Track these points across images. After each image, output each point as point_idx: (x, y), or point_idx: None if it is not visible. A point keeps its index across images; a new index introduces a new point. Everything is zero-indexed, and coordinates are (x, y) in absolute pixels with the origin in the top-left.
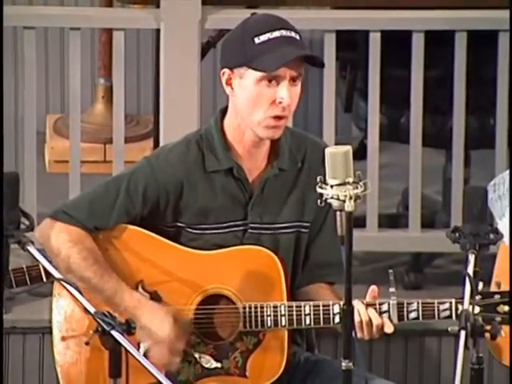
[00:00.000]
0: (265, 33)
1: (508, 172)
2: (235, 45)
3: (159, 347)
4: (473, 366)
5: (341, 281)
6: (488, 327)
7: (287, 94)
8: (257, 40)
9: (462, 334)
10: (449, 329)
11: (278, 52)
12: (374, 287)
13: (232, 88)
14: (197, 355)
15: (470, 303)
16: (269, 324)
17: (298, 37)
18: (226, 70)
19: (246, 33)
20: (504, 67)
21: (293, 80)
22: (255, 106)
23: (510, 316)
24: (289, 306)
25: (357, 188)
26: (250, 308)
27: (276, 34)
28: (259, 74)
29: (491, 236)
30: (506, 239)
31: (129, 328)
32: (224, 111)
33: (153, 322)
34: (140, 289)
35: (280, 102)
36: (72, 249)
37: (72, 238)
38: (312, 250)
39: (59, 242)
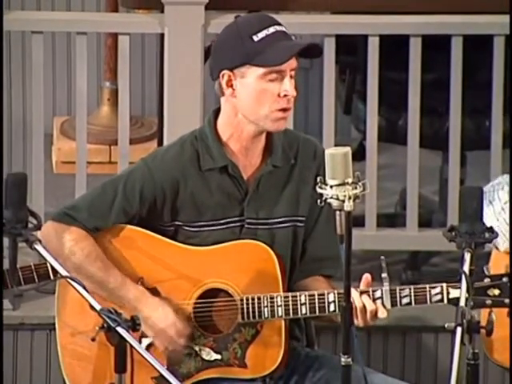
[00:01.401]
0: (261, 30)
1: (497, 181)
2: (233, 46)
3: (162, 337)
4: (469, 361)
5: (337, 273)
6: (484, 324)
7: (291, 86)
8: (255, 38)
9: (459, 330)
10: (446, 325)
11: (280, 46)
12: (367, 275)
13: (233, 88)
14: (197, 348)
15: (466, 300)
16: (266, 315)
17: (286, 30)
18: (226, 72)
19: (242, 33)
20: (499, 70)
21: (290, 74)
22: (260, 101)
23: (511, 314)
24: (285, 297)
25: (356, 188)
26: (247, 300)
27: (271, 29)
28: (262, 71)
29: (486, 235)
30: (500, 238)
31: (134, 324)
32: (217, 111)
33: (155, 312)
34: (140, 286)
35: (285, 95)
36: (75, 247)
37: (74, 236)
38: (308, 245)
39: (62, 241)
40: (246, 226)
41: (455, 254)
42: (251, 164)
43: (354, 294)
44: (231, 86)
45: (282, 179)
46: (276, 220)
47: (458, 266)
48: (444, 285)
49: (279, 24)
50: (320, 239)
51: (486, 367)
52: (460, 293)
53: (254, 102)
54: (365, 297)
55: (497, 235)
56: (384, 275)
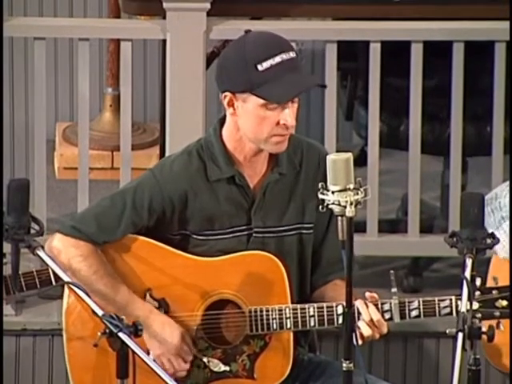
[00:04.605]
0: (267, 59)
1: (499, 189)
2: (237, 71)
3: (169, 355)
4: (470, 367)
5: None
6: (485, 329)
7: (291, 116)
8: (260, 67)
9: (460, 336)
10: (447, 331)
11: (284, 81)
12: (374, 295)
13: (234, 109)
14: (205, 359)
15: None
16: (274, 327)
17: (294, 54)
18: (228, 94)
19: (248, 59)
20: (500, 76)
21: (292, 100)
22: (259, 127)
23: (511, 317)
24: (293, 309)
25: (357, 194)
26: (255, 312)
27: (277, 59)
28: (262, 101)
29: (488, 241)
30: (500, 249)
31: (136, 330)
32: (222, 120)
33: (164, 330)
34: (148, 297)
35: (284, 124)
36: (82, 263)
37: (82, 252)
38: (323, 250)
39: (69, 256)
40: (254, 234)
41: (457, 260)
42: (257, 173)
43: (363, 308)
44: (232, 106)
45: (287, 187)
46: (283, 228)
47: (460, 271)
48: (453, 297)
49: (287, 50)
50: (333, 244)
51: (487, 373)
52: (461, 298)
53: (254, 126)
54: (372, 308)
55: (498, 241)
56: (394, 290)
